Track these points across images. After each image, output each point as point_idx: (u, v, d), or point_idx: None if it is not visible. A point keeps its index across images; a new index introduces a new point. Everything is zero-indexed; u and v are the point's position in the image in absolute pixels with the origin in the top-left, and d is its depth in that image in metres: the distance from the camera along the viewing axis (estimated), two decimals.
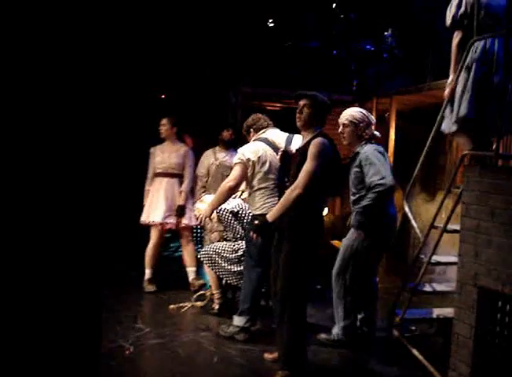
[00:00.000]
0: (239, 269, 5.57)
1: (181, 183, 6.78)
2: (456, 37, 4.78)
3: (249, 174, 5.10)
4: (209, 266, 5.71)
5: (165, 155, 6.79)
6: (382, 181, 4.75)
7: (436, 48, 7.39)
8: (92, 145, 1.78)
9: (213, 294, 5.89)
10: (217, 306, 5.86)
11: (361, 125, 5.06)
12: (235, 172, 5.12)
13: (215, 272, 5.70)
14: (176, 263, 8.20)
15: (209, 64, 9.01)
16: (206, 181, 7.11)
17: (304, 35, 9.48)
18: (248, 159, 5.07)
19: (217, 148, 7.18)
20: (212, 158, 7.12)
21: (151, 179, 6.84)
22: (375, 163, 4.84)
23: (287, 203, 4.14)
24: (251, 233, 4.44)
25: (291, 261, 4.21)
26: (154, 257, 6.79)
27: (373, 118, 5.25)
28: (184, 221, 6.73)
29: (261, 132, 5.33)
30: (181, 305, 5.94)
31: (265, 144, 5.18)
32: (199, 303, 6.01)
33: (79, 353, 1.76)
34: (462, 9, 4.68)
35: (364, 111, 5.21)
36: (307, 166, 4.11)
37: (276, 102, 9.59)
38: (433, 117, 5.02)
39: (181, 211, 6.62)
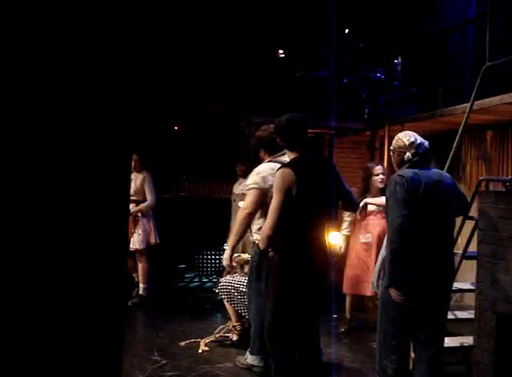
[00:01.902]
0: None
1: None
2: None
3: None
4: (227, 301, 5.66)
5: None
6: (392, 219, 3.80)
7: (447, 74, 7.42)
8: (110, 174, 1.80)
9: (234, 326, 5.81)
10: (235, 337, 5.80)
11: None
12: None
13: (233, 307, 5.65)
14: (191, 294, 8.20)
15: (220, 96, 9.11)
16: None
17: (314, 65, 9.58)
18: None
19: (240, 178, 7.22)
20: (235, 187, 7.20)
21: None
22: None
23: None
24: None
25: (272, 305, 3.94)
26: None
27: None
28: (132, 246, 7.15)
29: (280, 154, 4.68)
30: (193, 341, 5.86)
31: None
32: (209, 338, 5.88)
33: None
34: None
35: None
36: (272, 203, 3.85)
37: None
38: (447, 143, 5.02)
39: None
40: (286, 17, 9.68)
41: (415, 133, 4.18)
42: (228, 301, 5.65)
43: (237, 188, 7.14)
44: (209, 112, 9.27)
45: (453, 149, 4.91)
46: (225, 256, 4.84)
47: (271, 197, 4.16)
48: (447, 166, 5.03)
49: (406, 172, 3.84)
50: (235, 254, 5.91)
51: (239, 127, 8.97)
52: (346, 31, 9.21)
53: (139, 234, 7.26)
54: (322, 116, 8.46)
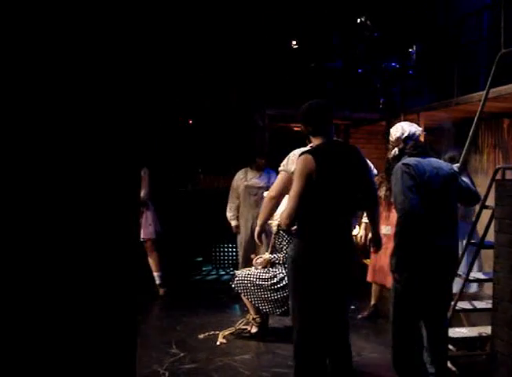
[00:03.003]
0: (275, 296, 5.50)
1: None
2: None
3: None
4: (244, 295, 5.66)
5: None
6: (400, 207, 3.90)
7: (462, 62, 7.34)
8: (124, 167, 1.81)
9: (254, 319, 5.81)
10: (254, 329, 5.80)
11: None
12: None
13: (250, 301, 5.65)
14: (208, 287, 8.24)
15: (234, 88, 9.10)
16: (238, 209, 7.27)
17: (328, 55, 9.53)
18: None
19: (249, 169, 7.28)
20: (243, 178, 7.24)
21: None
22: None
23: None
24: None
25: (296, 310, 3.75)
26: None
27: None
28: (144, 237, 7.35)
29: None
30: (211, 333, 5.88)
31: None
32: (228, 331, 5.92)
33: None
34: None
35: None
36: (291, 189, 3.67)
37: None
38: (463, 131, 4.98)
39: None
40: (299, 7, 9.63)
41: (404, 124, 4.33)
42: (244, 296, 5.65)
43: (253, 180, 7.18)
44: (223, 105, 9.26)
45: (469, 138, 4.86)
46: (257, 234, 4.58)
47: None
48: (463, 154, 4.98)
49: (410, 160, 3.92)
50: (256, 256, 5.95)
51: (253, 119, 8.96)
52: (360, 20, 9.13)
53: (150, 225, 7.41)
54: (337, 107, 8.41)
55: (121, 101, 1.80)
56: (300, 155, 3.66)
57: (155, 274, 7.51)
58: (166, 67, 8.35)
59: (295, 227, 3.72)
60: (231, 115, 9.28)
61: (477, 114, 4.79)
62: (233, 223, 7.36)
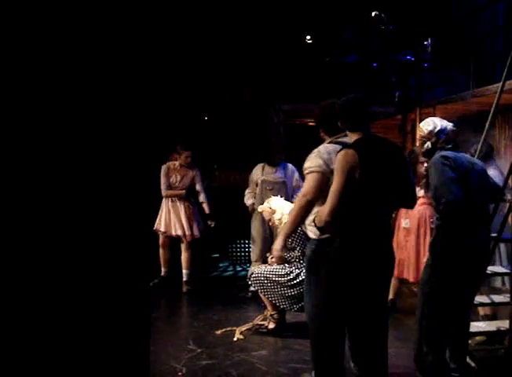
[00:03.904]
0: (292, 292, 5.49)
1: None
2: None
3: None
4: (260, 292, 5.67)
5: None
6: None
7: (478, 54, 7.27)
8: (138, 161, 1.82)
9: (272, 315, 5.81)
10: (272, 325, 5.80)
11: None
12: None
13: (267, 297, 5.66)
14: (225, 283, 8.25)
15: (248, 84, 9.09)
16: (254, 197, 7.28)
17: (343, 50, 9.49)
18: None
19: (266, 164, 7.29)
20: (260, 173, 7.25)
21: None
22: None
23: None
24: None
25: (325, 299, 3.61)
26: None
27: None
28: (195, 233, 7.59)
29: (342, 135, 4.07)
30: (228, 329, 5.90)
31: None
32: (245, 326, 5.93)
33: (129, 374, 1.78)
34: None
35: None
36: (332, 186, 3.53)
37: None
38: (479, 124, 4.93)
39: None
40: (313, 1, 9.59)
41: (435, 119, 4.29)
42: (261, 292, 5.66)
43: (269, 175, 7.19)
44: (237, 101, 9.26)
45: (485, 130, 4.81)
46: (277, 247, 4.08)
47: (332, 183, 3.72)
48: (479, 147, 4.93)
49: (447, 153, 3.99)
50: (271, 255, 5.94)
51: (268, 115, 8.95)
52: (373, 13, 9.06)
53: (198, 222, 7.61)
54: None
55: (132, 99, 1.81)
56: (340, 150, 3.54)
57: (184, 271, 7.57)
58: (180, 62, 8.36)
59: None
60: (246, 111, 9.27)
61: (493, 106, 4.74)
62: (249, 202, 7.34)
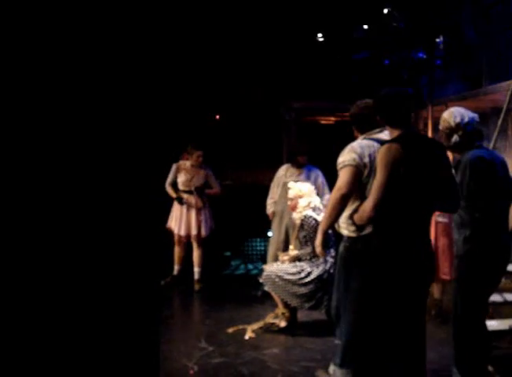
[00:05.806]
0: (303, 291, 5.49)
1: None
2: None
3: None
4: (272, 290, 5.67)
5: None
6: None
7: (490, 51, 7.22)
8: (148, 160, 1.83)
9: (283, 313, 5.81)
10: (283, 324, 5.79)
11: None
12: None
13: (278, 296, 5.65)
14: (237, 281, 8.26)
15: (260, 82, 9.09)
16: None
17: (354, 47, 9.46)
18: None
19: (290, 166, 7.14)
20: (283, 174, 7.16)
21: None
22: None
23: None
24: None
25: (357, 306, 3.63)
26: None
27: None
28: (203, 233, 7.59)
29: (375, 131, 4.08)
30: (240, 327, 5.90)
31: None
32: (257, 325, 5.93)
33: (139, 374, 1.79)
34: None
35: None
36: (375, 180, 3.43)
37: (330, 116, 9.56)
38: (492, 121, 4.91)
39: None
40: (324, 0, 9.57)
41: (461, 110, 4.10)
42: (273, 290, 5.66)
43: (291, 178, 7.08)
44: (249, 99, 9.27)
45: (498, 127, 4.79)
46: (318, 243, 4.03)
47: (366, 177, 3.75)
48: (492, 144, 4.92)
49: (481, 153, 3.88)
50: (281, 253, 5.96)
51: (280, 113, 8.94)
52: (385, 10, 9.02)
53: (206, 221, 7.62)
54: (364, 99, 8.34)
55: (144, 99, 1.81)
56: (383, 143, 3.46)
57: (196, 269, 7.59)
58: (191, 62, 8.39)
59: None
60: (257, 109, 9.27)
61: (506, 103, 4.72)
62: (270, 211, 7.23)
